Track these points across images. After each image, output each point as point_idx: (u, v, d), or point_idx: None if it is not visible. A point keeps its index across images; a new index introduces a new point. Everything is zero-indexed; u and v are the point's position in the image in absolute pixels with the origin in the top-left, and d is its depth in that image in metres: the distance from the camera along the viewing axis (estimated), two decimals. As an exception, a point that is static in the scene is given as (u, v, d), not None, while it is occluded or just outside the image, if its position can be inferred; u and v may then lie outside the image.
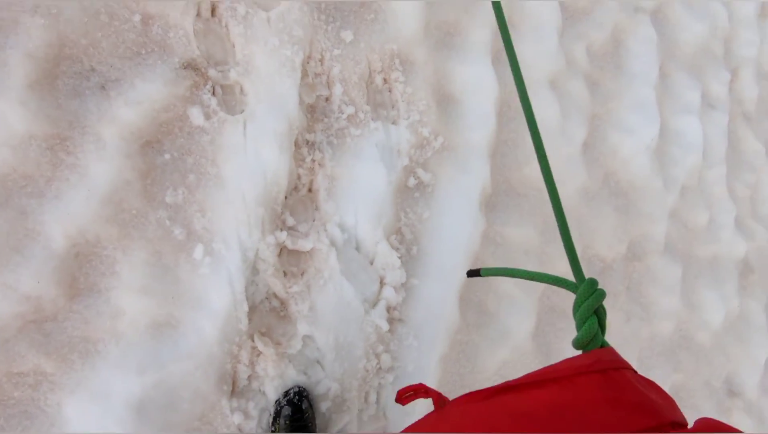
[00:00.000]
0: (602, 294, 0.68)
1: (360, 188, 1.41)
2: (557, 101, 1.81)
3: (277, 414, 1.21)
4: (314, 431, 1.23)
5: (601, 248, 1.86)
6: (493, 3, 0.96)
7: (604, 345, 0.66)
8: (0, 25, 1.11)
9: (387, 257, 1.41)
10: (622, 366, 0.60)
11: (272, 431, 1.21)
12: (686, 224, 2.10)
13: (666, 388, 0.60)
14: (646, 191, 1.98)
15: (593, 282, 0.69)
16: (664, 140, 2.07)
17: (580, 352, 0.66)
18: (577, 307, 0.68)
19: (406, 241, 1.49)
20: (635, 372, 0.61)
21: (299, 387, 1.25)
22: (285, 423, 1.19)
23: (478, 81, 1.66)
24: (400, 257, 1.43)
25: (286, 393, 1.23)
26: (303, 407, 1.21)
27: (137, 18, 1.25)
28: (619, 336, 1.83)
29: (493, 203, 1.67)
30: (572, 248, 0.76)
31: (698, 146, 2.12)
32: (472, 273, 0.86)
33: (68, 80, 1.17)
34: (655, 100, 2.04)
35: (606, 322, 0.68)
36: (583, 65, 1.95)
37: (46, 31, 1.14)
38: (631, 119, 1.99)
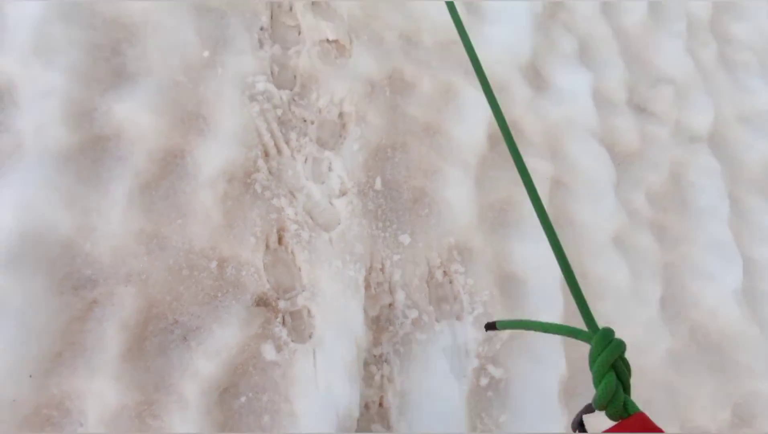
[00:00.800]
0: (620, 345, 0.64)
1: (432, 404, 1.36)
2: (625, 261, 1.72)
3: None
4: None
5: (702, 418, 1.66)
6: (447, 4, 0.93)
7: (628, 406, 0.61)
8: (98, 300, 1.23)
9: (468, 480, 1.32)
10: None
11: None
12: (796, 369, 1.85)
13: None
14: (742, 341, 1.79)
15: (607, 332, 0.66)
16: (751, 276, 1.90)
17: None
18: (592, 362, 0.64)
19: (484, 450, 1.39)
20: None
21: None
22: None
23: (539, 256, 1.62)
24: (481, 477, 1.34)
25: None
26: None
27: (214, 264, 1.34)
28: None
29: (572, 387, 1.55)
30: (579, 292, 0.74)
31: (792, 276, 1.92)
32: (489, 326, 0.91)
33: (155, 339, 1.25)
34: (732, 235, 1.90)
35: (630, 378, 0.64)
36: (645, 213, 1.87)
37: (137, 298, 1.25)
38: (709, 261, 1.85)
